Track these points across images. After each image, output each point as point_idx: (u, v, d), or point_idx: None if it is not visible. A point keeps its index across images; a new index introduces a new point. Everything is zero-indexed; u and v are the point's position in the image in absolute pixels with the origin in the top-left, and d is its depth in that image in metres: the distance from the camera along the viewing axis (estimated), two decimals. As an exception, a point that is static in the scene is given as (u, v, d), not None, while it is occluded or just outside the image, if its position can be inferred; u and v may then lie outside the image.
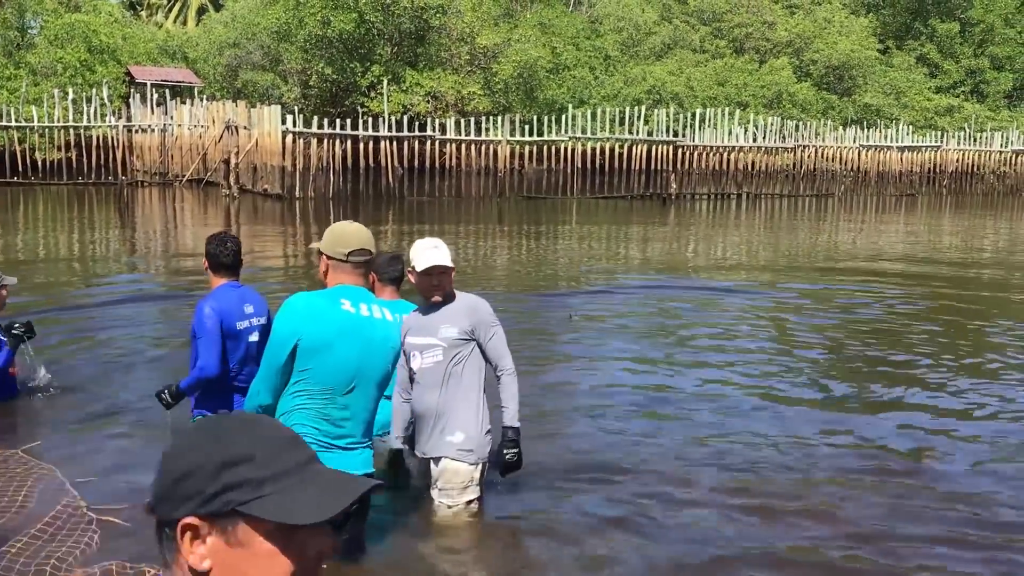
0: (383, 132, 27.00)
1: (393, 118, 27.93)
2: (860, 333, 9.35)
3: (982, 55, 52.00)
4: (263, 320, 5.29)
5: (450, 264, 4.16)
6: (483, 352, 4.27)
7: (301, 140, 25.26)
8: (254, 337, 5.23)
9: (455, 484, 4.22)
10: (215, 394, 5.18)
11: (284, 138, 24.79)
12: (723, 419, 6.24)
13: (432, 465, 4.30)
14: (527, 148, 29.78)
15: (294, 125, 25.10)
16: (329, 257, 3.47)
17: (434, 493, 4.30)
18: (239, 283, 5.33)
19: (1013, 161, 38.25)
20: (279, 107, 25.69)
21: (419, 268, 4.14)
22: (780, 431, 6.00)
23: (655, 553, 4.23)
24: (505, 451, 4.24)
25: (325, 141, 26.04)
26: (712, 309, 10.72)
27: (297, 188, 24.86)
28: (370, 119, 27.55)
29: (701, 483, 5.04)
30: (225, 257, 5.20)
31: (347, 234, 3.44)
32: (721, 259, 16.11)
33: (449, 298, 4.27)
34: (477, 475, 4.29)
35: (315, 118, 26.50)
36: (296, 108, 28.11)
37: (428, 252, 4.17)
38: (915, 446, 5.80)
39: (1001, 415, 6.60)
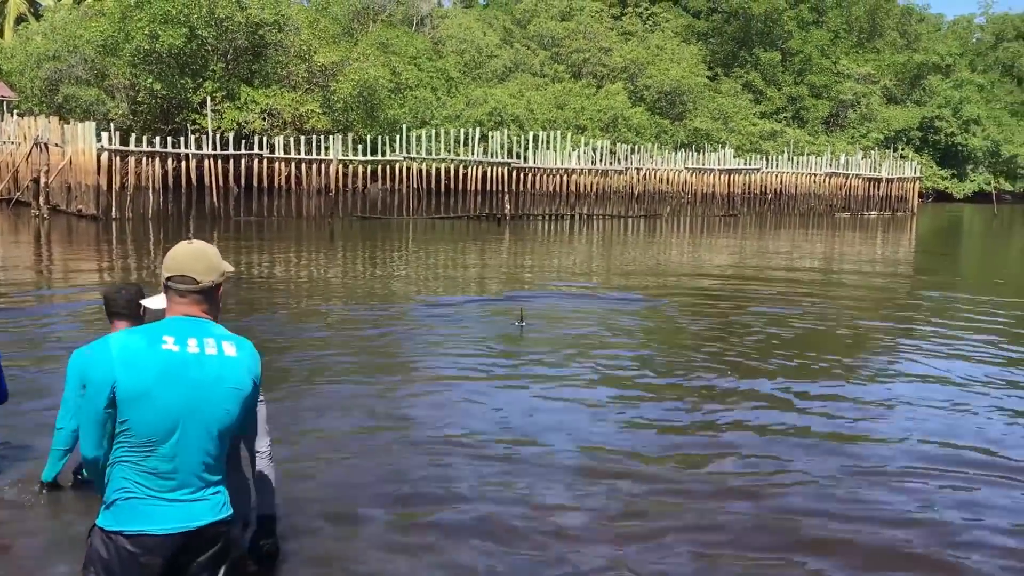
0: (207, 150, 26.19)
1: (218, 135, 27.13)
2: (694, 339, 9.80)
3: (802, 83, 55.67)
4: None
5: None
6: None
7: (118, 158, 24.18)
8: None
9: None
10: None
11: (99, 156, 23.66)
12: (552, 439, 6.20)
13: None
14: (361, 168, 29.57)
15: (110, 142, 24.00)
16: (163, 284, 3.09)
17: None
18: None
19: (827, 183, 40.98)
20: (93, 123, 24.50)
21: None
22: (621, 448, 6.04)
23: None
24: (263, 542, 3.99)
25: (144, 159, 25.03)
26: (553, 322, 10.94)
27: (114, 208, 23.78)
28: (192, 137, 26.70)
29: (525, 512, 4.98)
30: None
31: (174, 257, 3.05)
32: (553, 273, 16.43)
33: None
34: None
35: (133, 135, 25.43)
36: (116, 125, 26.95)
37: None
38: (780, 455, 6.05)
39: (824, 410, 7.15)
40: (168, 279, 3.00)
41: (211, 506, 2.98)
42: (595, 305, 12.19)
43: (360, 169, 29.63)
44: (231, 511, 3.08)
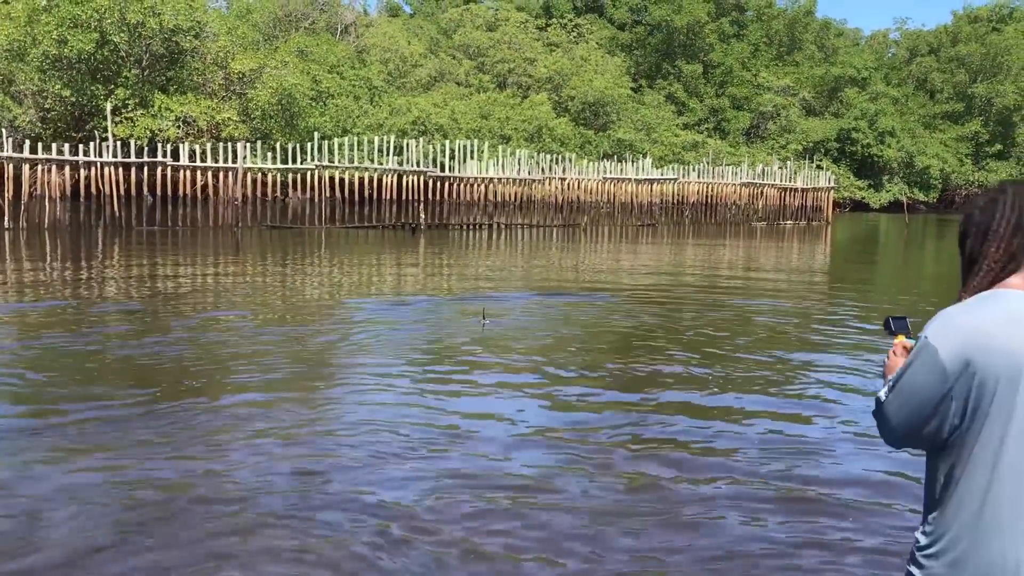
0: (107, 158, 25.60)
1: (119, 143, 26.56)
2: (636, 337, 9.87)
3: (723, 95, 56.70)
4: None
5: None
6: None
7: (11, 165, 23.51)
8: None
9: None
10: None
11: (-8, 164, 23.03)
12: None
13: None
14: (272, 176, 29.22)
15: (3, 149, 23.32)
16: None
17: None
18: None
19: (743, 193, 41.79)
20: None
21: None
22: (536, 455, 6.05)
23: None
24: None
25: (40, 167, 24.35)
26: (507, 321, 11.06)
27: (7, 218, 23.08)
28: (93, 145, 26.08)
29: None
30: None
31: None
32: (468, 281, 16.36)
33: None
34: None
35: (27, 142, 24.74)
36: (25, 133, 26.22)
37: None
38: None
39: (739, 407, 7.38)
40: None
41: None
42: (524, 304, 12.35)
43: (272, 178, 29.27)
44: None
